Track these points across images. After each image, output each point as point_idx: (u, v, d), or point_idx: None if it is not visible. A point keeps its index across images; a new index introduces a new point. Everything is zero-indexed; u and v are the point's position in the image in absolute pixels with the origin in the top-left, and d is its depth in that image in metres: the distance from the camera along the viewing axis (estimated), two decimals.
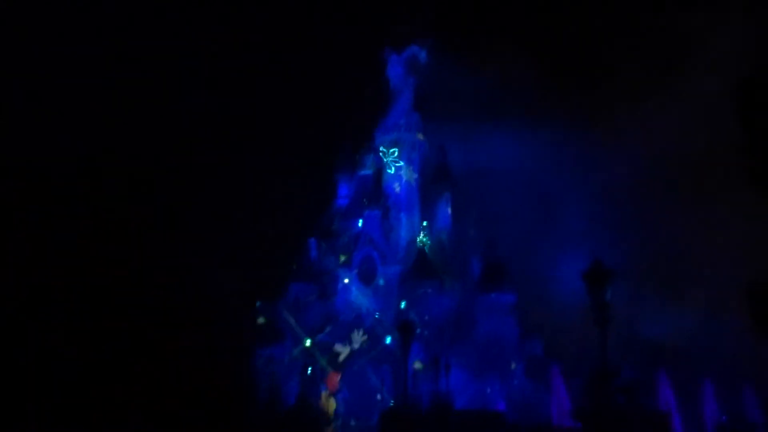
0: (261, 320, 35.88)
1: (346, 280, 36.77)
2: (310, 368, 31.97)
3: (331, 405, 29.54)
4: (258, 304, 38.82)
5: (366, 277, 36.86)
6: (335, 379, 30.54)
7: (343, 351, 32.78)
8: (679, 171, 36.41)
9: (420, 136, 42.02)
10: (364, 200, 39.69)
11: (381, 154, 41.32)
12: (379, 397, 30.95)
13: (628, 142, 38.52)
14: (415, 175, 41.37)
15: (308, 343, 34.11)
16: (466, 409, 24.46)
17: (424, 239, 37.65)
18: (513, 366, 32.66)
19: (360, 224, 38.93)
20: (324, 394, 29.22)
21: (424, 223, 39.80)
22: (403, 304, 34.58)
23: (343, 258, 38.21)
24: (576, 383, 28.57)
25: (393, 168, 40.90)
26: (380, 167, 41.32)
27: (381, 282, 36.58)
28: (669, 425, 16.52)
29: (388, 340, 33.30)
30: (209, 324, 35.48)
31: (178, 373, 32.17)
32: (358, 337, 32.66)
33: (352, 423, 29.89)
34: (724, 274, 31.73)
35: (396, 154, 41.11)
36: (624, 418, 12.72)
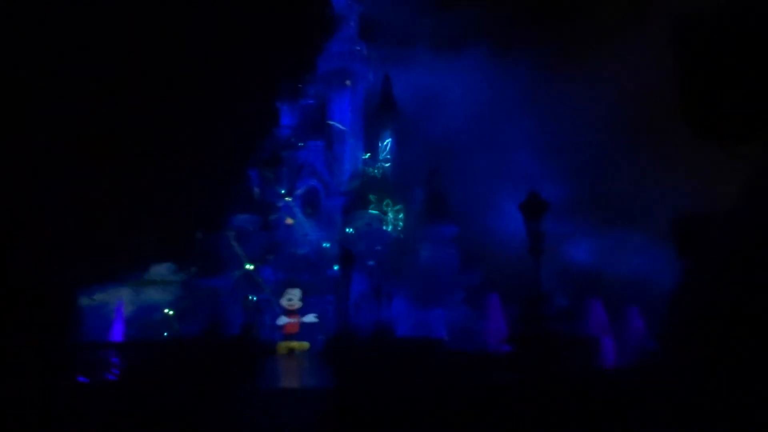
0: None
1: (288, 220, 36.49)
2: (253, 297, 32.01)
3: (301, 345, 29.96)
4: (199, 235, 38.32)
5: (309, 208, 36.69)
6: (294, 325, 30.70)
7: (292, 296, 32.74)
8: (625, 111, 37.08)
9: (364, 66, 41.11)
10: (308, 130, 39.06)
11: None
12: (321, 325, 31.41)
13: (582, 81, 38.80)
14: (359, 105, 40.76)
15: (249, 267, 33.94)
16: (407, 337, 25.11)
17: (368, 170, 37.49)
18: (453, 295, 33.52)
19: (303, 155, 38.38)
20: (283, 344, 29.46)
21: (368, 155, 39.59)
22: (345, 233, 34.74)
23: (285, 189, 37.79)
24: (513, 311, 29.63)
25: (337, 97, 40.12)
26: (324, 97, 40.49)
27: (324, 213, 36.49)
28: (597, 349, 17.45)
29: (334, 268, 33.55)
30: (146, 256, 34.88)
31: None
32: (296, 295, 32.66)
33: (296, 352, 30.35)
34: (658, 210, 32.95)
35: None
36: (553, 342, 13.24)
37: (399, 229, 36.83)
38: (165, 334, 32.20)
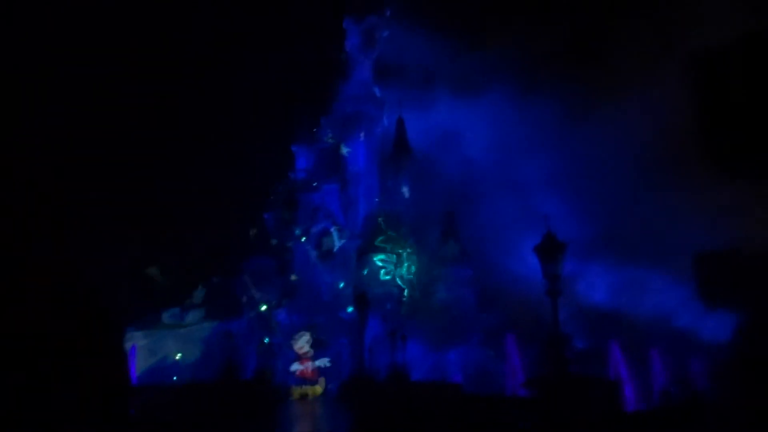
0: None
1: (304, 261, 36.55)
2: (267, 339, 31.84)
3: (314, 390, 29.52)
4: (214, 279, 38.41)
5: (323, 251, 36.75)
6: (306, 371, 30.34)
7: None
8: (648, 149, 37.00)
9: (379, 109, 41.64)
10: (323, 173, 39.42)
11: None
12: (336, 369, 31.06)
13: (604, 119, 38.91)
14: (374, 148, 41.13)
15: (263, 309, 33.88)
16: (422, 381, 24.73)
17: (383, 213, 37.60)
18: (469, 337, 33.12)
19: (318, 198, 38.63)
20: (297, 390, 29.01)
21: (383, 197, 39.76)
22: (360, 275, 34.66)
23: (300, 232, 37.94)
24: (531, 353, 29.17)
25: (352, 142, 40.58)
26: (339, 140, 40.97)
27: (338, 255, 36.50)
28: (619, 393, 17.06)
29: (349, 309, 33.31)
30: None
31: None
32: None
33: (310, 396, 29.98)
34: (676, 248, 32.61)
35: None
36: (574, 386, 12.96)
37: (413, 271, 36.66)
38: (174, 378, 31.98)
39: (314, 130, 43.01)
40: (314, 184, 39.07)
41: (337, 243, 36.84)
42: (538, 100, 40.40)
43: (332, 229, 36.96)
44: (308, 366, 30.52)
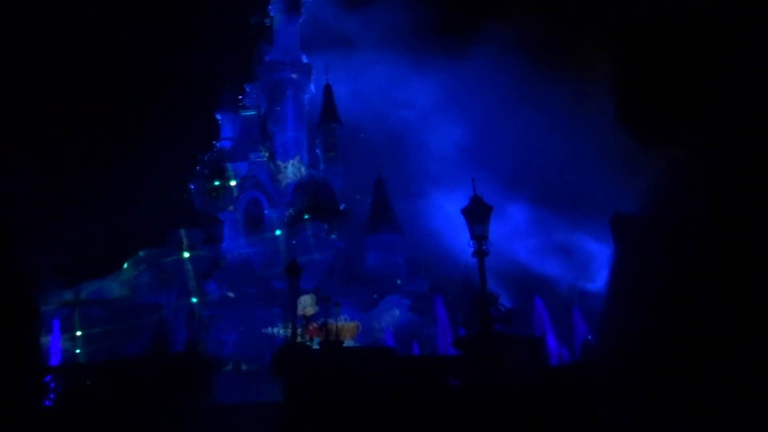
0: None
1: (233, 233, 35.96)
2: (196, 313, 31.39)
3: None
4: (141, 253, 37.32)
5: (252, 222, 36.28)
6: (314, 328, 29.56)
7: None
8: (566, 118, 37.98)
9: (306, 76, 40.97)
10: (249, 142, 38.68)
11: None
12: (270, 339, 31.02)
13: (528, 83, 39.48)
14: (302, 116, 40.61)
15: (192, 292, 33.37)
16: (355, 346, 25.10)
17: (311, 180, 37.36)
18: (400, 302, 33.72)
19: (245, 166, 37.93)
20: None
21: (312, 165, 39.48)
22: (290, 244, 34.54)
23: (228, 202, 37.26)
24: (460, 315, 30.02)
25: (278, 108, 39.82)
26: (265, 107, 40.18)
27: (268, 226, 36.13)
28: (543, 348, 17.95)
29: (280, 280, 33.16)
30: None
31: None
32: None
33: (244, 367, 29.88)
34: (593, 208, 34.04)
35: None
36: (500, 344, 13.52)
37: (345, 239, 36.83)
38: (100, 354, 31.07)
39: (239, 97, 41.99)
40: (241, 155, 38.30)
41: (267, 212, 36.42)
42: (461, 63, 40.80)
43: (261, 198, 36.46)
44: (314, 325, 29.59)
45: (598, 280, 34.19)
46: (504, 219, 30.24)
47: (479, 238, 14.58)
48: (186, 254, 35.55)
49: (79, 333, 32.19)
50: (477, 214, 14.87)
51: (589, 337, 24.62)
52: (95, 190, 39.62)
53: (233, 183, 38.03)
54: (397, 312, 33.52)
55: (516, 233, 35.78)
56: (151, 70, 46.68)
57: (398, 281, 35.33)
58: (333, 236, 36.27)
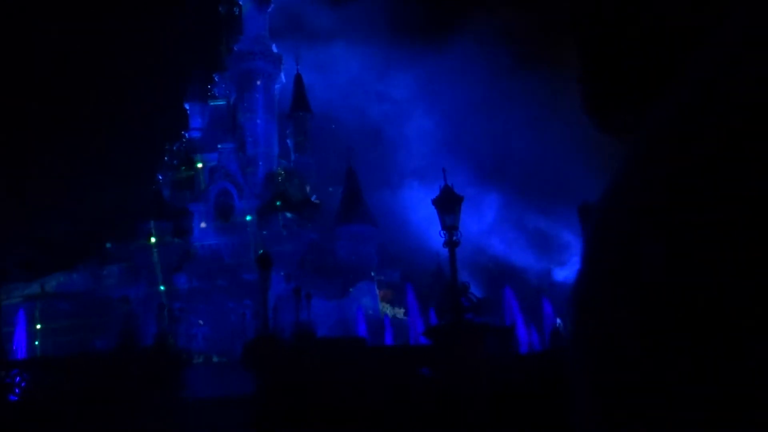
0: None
1: (203, 224, 35.49)
2: (166, 306, 30.98)
3: None
4: (108, 245, 36.73)
5: (223, 213, 35.89)
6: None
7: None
8: (536, 104, 38.25)
9: (276, 66, 40.55)
10: (219, 132, 38.19)
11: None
12: (241, 331, 30.80)
13: (486, 73, 39.68)
14: (272, 106, 40.22)
15: (162, 285, 32.93)
16: (327, 337, 25.04)
17: (282, 171, 37.10)
18: (372, 293, 33.77)
19: (215, 157, 37.47)
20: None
21: (282, 156, 39.19)
22: (261, 236, 34.28)
23: (197, 193, 36.79)
24: (431, 304, 30.25)
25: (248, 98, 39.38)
26: (234, 98, 39.70)
27: (238, 217, 35.79)
28: (512, 337, 18.16)
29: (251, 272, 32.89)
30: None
31: None
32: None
33: (215, 359, 29.64)
34: (565, 198, 34.49)
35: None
36: (470, 333, 13.62)
37: (316, 229, 36.69)
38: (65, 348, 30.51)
39: (208, 86, 41.42)
40: (210, 146, 37.81)
41: (237, 203, 36.06)
42: (438, 55, 40.82)
43: (231, 189, 36.07)
44: None
45: (570, 268, 34.71)
46: (477, 210, 30.52)
47: (450, 228, 14.64)
48: (154, 246, 35.05)
49: (39, 326, 31.58)
50: (448, 204, 14.92)
51: (559, 324, 25.00)
52: (61, 183, 38.84)
53: (202, 174, 37.57)
54: (368, 301, 33.57)
55: (488, 224, 36.13)
56: (118, 59, 45.79)
57: (370, 272, 35.35)
58: (304, 227, 36.11)
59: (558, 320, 26.61)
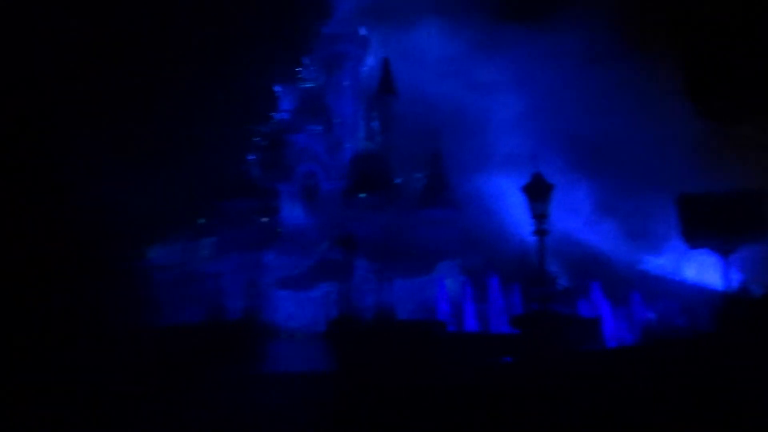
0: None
1: (290, 204, 36.46)
2: (254, 282, 32.11)
3: None
4: (201, 221, 38.26)
5: (309, 193, 36.68)
6: None
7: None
8: (629, 92, 36.55)
9: (363, 49, 40.80)
10: (307, 115, 38.92)
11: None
12: (325, 310, 31.45)
13: (589, 61, 38.16)
14: (359, 89, 40.56)
15: (249, 261, 34.05)
16: (407, 320, 25.19)
17: (368, 153, 37.40)
18: (454, 277, 33.58)
19: (303, 139, 38.24)
20: None
21: (368, 138, 39.47)
22: (346, 216, 34.77)
23: (285, 173, 37.71)
24: (514, 292, 29.76)
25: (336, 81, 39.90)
26: (322, 81, 40.30)
27: (324, 197, 36.49)
28: (598, 329, 17.60)
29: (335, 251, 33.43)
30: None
31: None
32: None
33: (299, 337, 30.45)
34: (652, 189, 32.95)
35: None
36: (555, 323, 13.29)
37: (399, 212, 36.77)
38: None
39: (297, 70, 42.19)
40: (298, 127, 38.63)
41: (323, 184, 36.76)
42: (532, 36, 39.58)
43: (317, 171, 36.80)
44: None
45: (663, 258, 33.27)
46: (567, 197, 29.55)
47: (539, 216, 14.31)
48: (243, 224, 36.25)
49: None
50: (538, 191, 14.59)
51: (651, 318, 23.96)
52: (155, 161, 40.54)
53: (290, 155, 38.44)
54: (449, 284, 33.45)
55: (578, 211, 34.98)
56: (205, 42, 47.19)
57: (452, 256, 35.14)
58: (388, 209, 36.30)
59: (650, 313, 25.56)
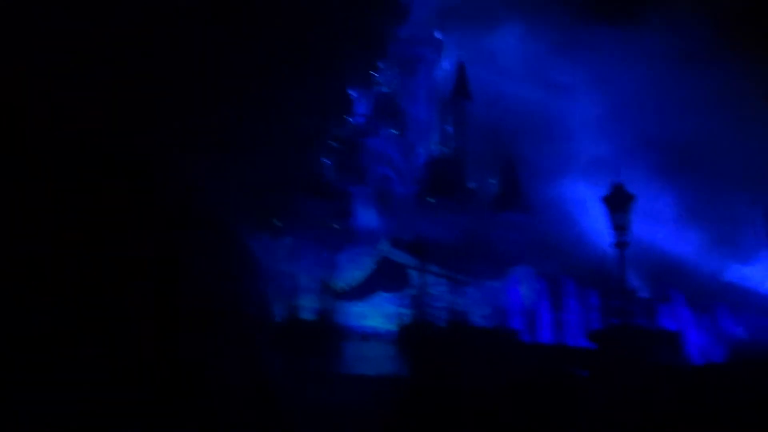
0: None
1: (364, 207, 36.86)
2: (330, 285, 32.62)
3: None
4: (276, 222, 39.17)
5: (382, 197, 36.97)
6: None
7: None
8: (714, 101, 34.88)
9: (438, 52, 40.75)
10: (381, 118, 39.23)
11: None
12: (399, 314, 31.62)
13: (663, 71, 36.76)
14: (434, 93, 40.52)
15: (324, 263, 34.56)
16: (480, 327, 25.01)
17: (442, 159, 37.36)
18: (528, 284, 33.06)
19: (378, 143, 38.58)
20: None
21: (442, 143, 39.38)
22: (418, 223, 34.82)
23: (360, 177, 38.11)
24: (591, 300, 29.02)
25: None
26: (397, 84, 40.50)
27: (397, 201, 36.68)
28: (680, 343, 16.93)
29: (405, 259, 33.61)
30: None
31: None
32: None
33: (372, 340, 30.75)
34: (741, 197, 31.41)
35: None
36: (636, 338, 12.90)
37: (473, 217, 36.52)
38: None
39: (372, 73, 42.54)
40: (373, 131, 38.99)
41: (397, 188, 36.98)
42: (615, 38, 38.35)
43: (392, 175, 37.05)
44: None
45: (752, 268, 31.65)
46: (648, 205, 28.54)
47: (619, 227, 13.98)
48: (318, 225, 36.85)
49: None
50: (618, 202, 14.26)
51: (739, 332, 22.78)
52: (230, 158, 41.48)
53: (365, 158, 38.84)
54: (524, 290, 32.99)
55: (660, 220, 33.73)
56: (284, 44, 48.03)
57: (527, 262, 34.64)
58: (461, 214, 36.13)
59: (738, 328, 24.32)
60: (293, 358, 18.62)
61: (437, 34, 41.06)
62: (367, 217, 36.75)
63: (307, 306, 30.40)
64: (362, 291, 32.70)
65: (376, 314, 31.57)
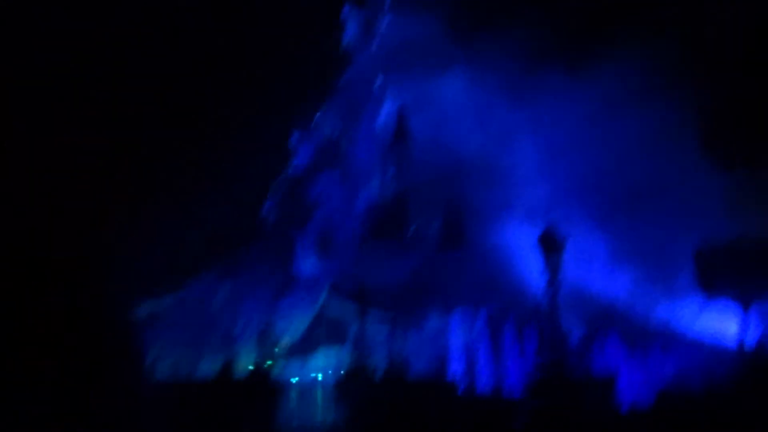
0: None
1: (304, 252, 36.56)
2: (267, 336, 31.99)
3: None
4: (217, 266, 38.33)
5: (324, 241, 36.70)
6: None
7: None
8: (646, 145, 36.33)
9: (380, 96, 41.25)
10: (324, 161, 39.27)
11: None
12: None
13: (599, 107, 38.13)
14: (376, 135, 40.86)
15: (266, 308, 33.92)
16: (418, 380, 24.51)
17: (384, 201, 37.50)
18: (466, 323, 33.09)
19: (320, 186, 38.49)
20: None
21: (384, 185, 39.57)
22: (360, 266, 34.67)
23: (300, 221, 37.85)
24: (529, 341, 29.15)
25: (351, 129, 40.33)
26: (339, 128, 40.71)
27: (340, 245, 36.46)
28: (612, 391, 17.12)
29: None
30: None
31: None
32: None
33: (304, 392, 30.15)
34: (673, 238, 32.49)
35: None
36: (568, 392, 12.96)
37: (416, 258, 36.60)
38: None
39: (314, 117, 42.70)
40: (315, 173, 38.94)
41: (340, 231, 36.81)
42: (540, 83, 39.62)
43: (334, 218, 36.92)
44: None
45: (680, 309, 32.54)
46: (583, 245, 29.20)
47: (553, 269, 14.18)
48: (259, 269, 36.29)
49: None
50: (551, 244, 14.48)
51: (671, 376, 23.17)
52: (180, 202, 40.45)
53: (306, 202, 38.65)
54: (464, 332, 33.03)
55: (594, 259, 34.52)
56: (222, 88, 47.56)
57: (468, 305, 34.76)
58: (405, 256, 36.19)
59: (668, 367, 24.81)
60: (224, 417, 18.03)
61: (379, 80, 41.62)
62: (308, 261, 36.34)
63: (244, 359, 29.54)
64: (301, 345, 32.10)
65: (315, 367, 30.94)
